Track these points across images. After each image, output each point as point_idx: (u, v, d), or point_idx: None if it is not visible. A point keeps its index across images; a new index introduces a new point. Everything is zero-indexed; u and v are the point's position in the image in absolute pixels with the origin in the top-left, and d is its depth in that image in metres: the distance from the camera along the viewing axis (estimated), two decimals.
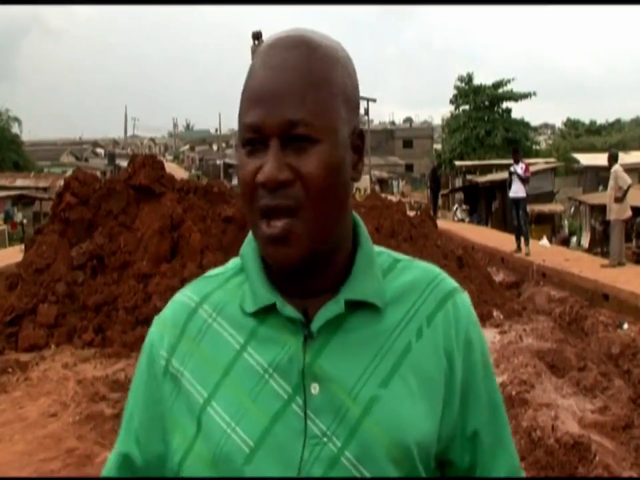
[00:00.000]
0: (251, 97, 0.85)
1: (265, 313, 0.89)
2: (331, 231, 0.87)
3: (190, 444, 0.88)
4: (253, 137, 0.84)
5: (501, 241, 15.91)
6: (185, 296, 0.96)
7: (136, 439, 0.94)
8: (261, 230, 0.85)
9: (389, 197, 14.48)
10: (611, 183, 10.88)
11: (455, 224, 24.05)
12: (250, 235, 0.94)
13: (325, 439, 0.84)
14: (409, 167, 59.34)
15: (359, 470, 0.83)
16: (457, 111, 42.07)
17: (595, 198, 22.86)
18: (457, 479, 0.95)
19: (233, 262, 0.98)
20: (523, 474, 0.98)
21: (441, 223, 16.81)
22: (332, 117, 0.85)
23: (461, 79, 41.61)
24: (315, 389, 0.85)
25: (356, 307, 0.89)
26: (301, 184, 0.83)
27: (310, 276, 0.89)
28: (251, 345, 0.88)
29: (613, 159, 11.17)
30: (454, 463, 0.93)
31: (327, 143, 0.84)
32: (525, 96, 39.94)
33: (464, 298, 0.95)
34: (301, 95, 0.83)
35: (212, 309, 0.93)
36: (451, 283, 0.96)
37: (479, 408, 0.93)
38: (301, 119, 0.82)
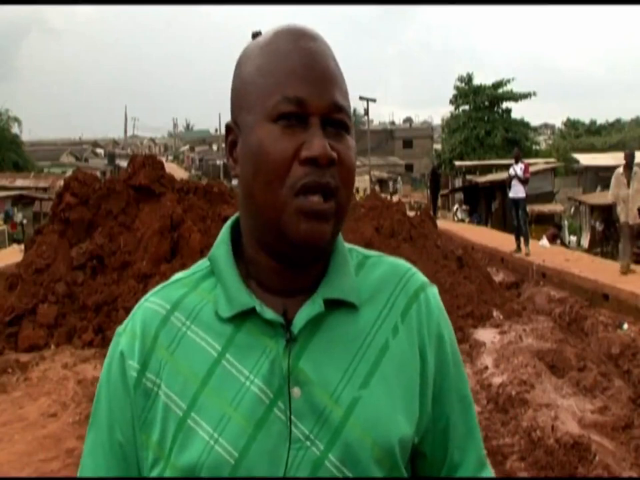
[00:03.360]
0: (294, 73, 0.83)
1: (241, 317, 0.86)
2: (345, 219, 0.88)
3: (167, 458, 0.84)
4: (291, 111, 0.81)
5: (501, 241, 15.91)
6: (152, 303, 0.90)
7: (116, 453, 0.89)
8: (295, 204, 0.81)
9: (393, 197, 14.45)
10: (636, 185, 10.07)
11: (455, 224, 24.05)
12: (222, 236, 0.93)
13: (308, 443, 0.83)
14: (409, 167, 59.34)
15: (343, 472, 0.83)
16: (457, 111, 42.08)
17: (595, 198, 22.86)
18: (438, 479, 0.96)
19: (198, 265, 0.95)
20: (488, 462, 1.00)
21: (441, 223, 16.81)
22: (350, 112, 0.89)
23: (460, 79, 41.63)
24: (296, 392, 0.84)
25: (333, 305, 0.88)
26: (337, 168, 0.83)
27: (304, 268, 0.88)
28: (230, 351, 0.85)
29: (631, 158, 10.40)
30: (425, 454, 0.94)
31: (352, 136, 0.87)
32: (524, 96, 39.95)
33: (434, 292, 0.96)
34: (342, 84, 0.87)
35: (184, 316, 0.88)
36: (421, 277, 0.96)
37: (451, 401, 0.94)
38: (344, 106, 0.85)
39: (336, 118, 0.84)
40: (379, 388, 0.87)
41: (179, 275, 0.95)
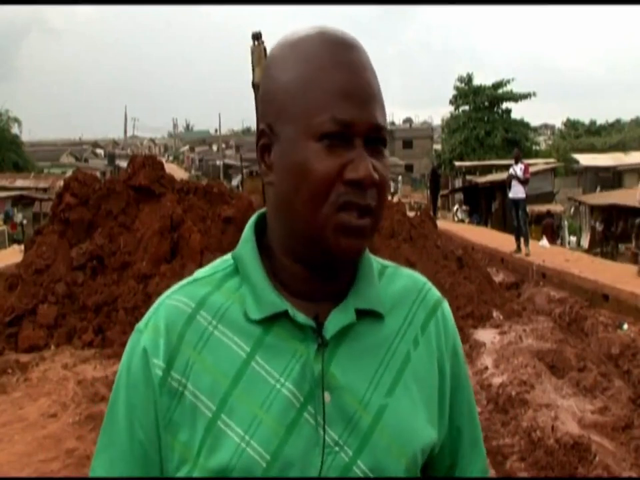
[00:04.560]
0: (342, 92, 0.82)
1: (270, 320, 0.86)
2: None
3: (195, 460, 0.83)
4: (336, 131, 0.82)
5: (501, 241, 15.91)
6: (177, 301, 0.88)
7: (135, 452, 0.86)
8: (338, 221, 0.82)
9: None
10: None
11: (455, 224, 24.05)
12: (246, 235, 0.92)
13: (337, 448, 0.83)
14: (409, 168, 59.34)
15: (369, 478, 0.84)
16: (457, 112, 42.09)
17: (595, 198, 22.88)
18: (448, 479, 0.99)
19: (220, 263, 0.93)
20: (489, 472, 1.05)
21: (441, 224, 16.81)
22: None
23: (460, 80, 41.64)
24: (327, 397, 0.84)
25: (362, 314, 0.89)
26: (377, 187, 0.84)
27: (334, 277, 0.89)
28: (259, 353, 0.85)
29: None
30: (435, 463, 0.96)
31: (386, 151, 0.88)
32: (524, 96, 39.96)
33: (448, 308, 0.99)
34: (382, 100, 0.87)
35: (211, 315, 0.87)
36: (436, 292, 0.99)
37: (462, 412, 0.98)
38: (384, 125, 0.86)
39: (376, 136, 0.85)
40: (403, 397, 0.88)
41: (199, 274, 0.93)
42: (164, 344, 0.86)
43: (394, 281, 0.96)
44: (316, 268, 0.88)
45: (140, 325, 0.90)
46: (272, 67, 0.88)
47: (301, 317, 0.85)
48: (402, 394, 0.88)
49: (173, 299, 0.89)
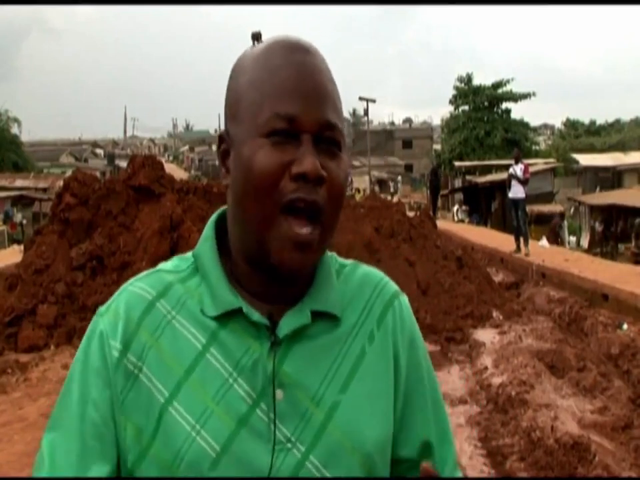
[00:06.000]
0: (286, 89, 0.83)
1: (226, 316, 0.87)
2: (331, 239, 0.89)
3: (147, 445, 0.83)
4: (283, 128, 0.82)
5: (501, 241, 15.92)
6: (138, 288, 0.91)
7: (87, 430, 0.85)
8: (282, 230, 0.82)
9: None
10: None
11: (455, 224, 24.06)
12: (207, 232, 0.94)
13: (290, 445, 0.84)
14: (409, 168, 59.34)
15: (323, 474, 0.85)
16: (457, 112, 42.09)
17: (595, 198, 22.89)
18: (416, 479, 0.97)
19: (181, 261, 0.95)
20: (458, 466, 1.02)
21: (441, 224, 16.81)
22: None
23: (460, 80, 41.65)
24: (279, 394, 0.85)
25: (317, 315, 0.90)
26: (326, 187, 0.83)
27: (291, 282, 0.89)
28: (213, 346, 0.86)
29: None
30: (404, 460, 0.96)
31: (344, 155, 0.87)
32: (524, 96, 39.97)
33: (406, 300, 1.00)
34: (335, 100, 0.86)
35: (170, 305, 0.89)
36: (393, 285, 1.00)
37: (426, 408, 0.97)
38: (337, 124, 0.85)
39: (327, 136, 0.84)
40: (356, 393, 0.89)
41: (165, 266, 0.95)
42: (122, 327, 0.87)
43: (350, 279, 0.96)
44: (269, 273, 0.87)
45: (101, 309, 0.92)
46: (230, 76, 0.90)
47: (255, 315, 0.86)
48: (356, 390, 0.89)
49: (135, 286, 0.91)
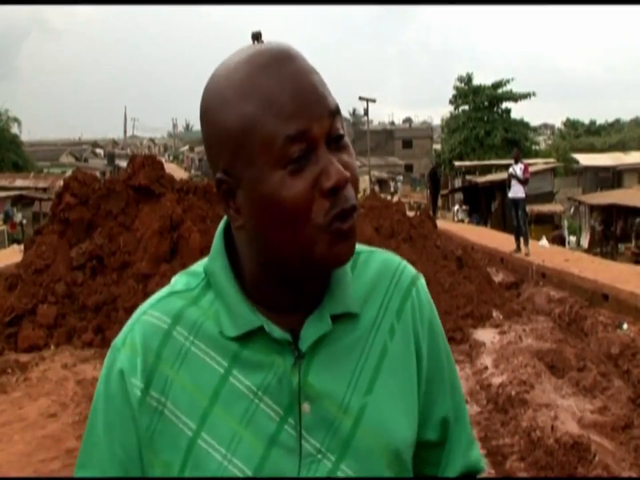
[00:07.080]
0: (287, 109, 0.78)
1: (247, 336, 0.84)
2: None
3: (177, 478, 0.83)
4: (299, 151, 0.78)
5: (501, 241, 15.92)
6: (151, 317, 0.87)
7: (116, 469, 0.85)
8: (328, 231, 0.79)
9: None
10: None
11: (455, 224, 24.07)
12: (216, 247, 0.89)
13: (320, 456, 0.84)
14: (409, 167, 59.36)
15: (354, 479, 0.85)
16: (457, 111, 42.11)
17: (595, 198, 22.89)
18: (439, 479, 0.99)
19: (193, 277, 0.91)
20: (475, 440, 1.04)
21: (441, 223, 16.82)
22: None
23: (460, 79, 41.66)
24: (306, 407, 0.84)
25: (337, 317, 0.88)
26: (350, 182, 0.82)
27: (310, 288, 0.87)
28: (236, 368, 0.84)
29: None
30: (425, 442, 0.96)
31: (346, 137, 0.84)
32: (524, 96, 39.98)
33: (423, 284, 0.98)
34: (325, 86, 0.82)
35: (187, 330, 0.85)
36: (411, 270, 0.97)
37: (445, 391, 0.97)
38: (338, 108, 0.82)
39: (335, 130, 0.81)
40: (382, 392, 0.88)
41: (174, 288, 0.91)
42: (141, 363, 0.85)
43: (367, 269, 0.94)
44: (292, 284, 0.86)
45: (117, 341, 0.88)
46: (209, 111, 0.82)
47: (277, 332, 0.84)
48: (381, 389, 0.88)
49: (149, 315, 0.88)
